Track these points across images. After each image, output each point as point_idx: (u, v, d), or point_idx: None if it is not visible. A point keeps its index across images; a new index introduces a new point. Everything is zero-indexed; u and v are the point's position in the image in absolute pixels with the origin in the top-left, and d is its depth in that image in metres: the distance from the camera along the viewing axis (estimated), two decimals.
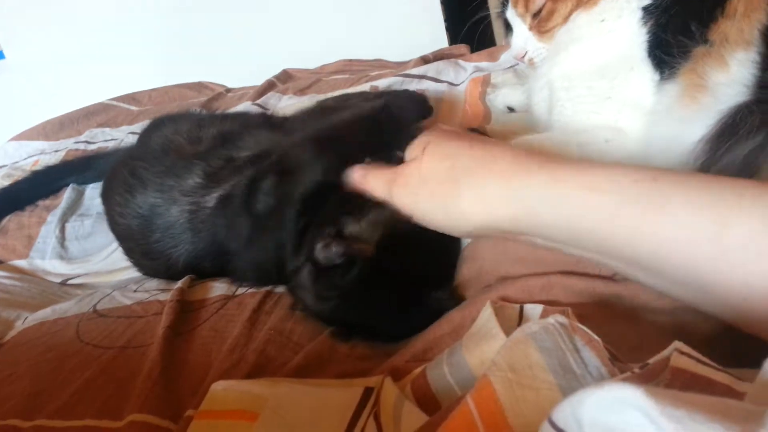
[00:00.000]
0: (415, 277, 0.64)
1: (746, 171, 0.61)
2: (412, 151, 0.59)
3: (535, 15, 0.85)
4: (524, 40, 0.88)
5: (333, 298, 0.64)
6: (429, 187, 0.55)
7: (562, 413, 0.28)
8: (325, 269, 0.63)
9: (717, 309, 0.44)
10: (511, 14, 0.90)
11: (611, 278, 0.55)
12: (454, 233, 0.57)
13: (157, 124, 1.07)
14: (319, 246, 0.62)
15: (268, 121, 1.01)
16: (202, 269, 0.80)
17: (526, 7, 0.86)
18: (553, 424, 0.29)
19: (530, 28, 0.87)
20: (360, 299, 0.63)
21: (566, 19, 0.82)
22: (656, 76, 0.73)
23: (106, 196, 0.96)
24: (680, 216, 0.41)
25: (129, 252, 0.90)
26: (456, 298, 0.63)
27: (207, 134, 0.92)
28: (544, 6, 0.84)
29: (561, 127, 0.81)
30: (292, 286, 0.68)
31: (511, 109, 1.04)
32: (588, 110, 0.79)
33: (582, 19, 0.81)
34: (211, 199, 0.78)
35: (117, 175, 0.92)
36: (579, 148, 0.77)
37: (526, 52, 0.89)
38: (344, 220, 0.62)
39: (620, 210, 0.44)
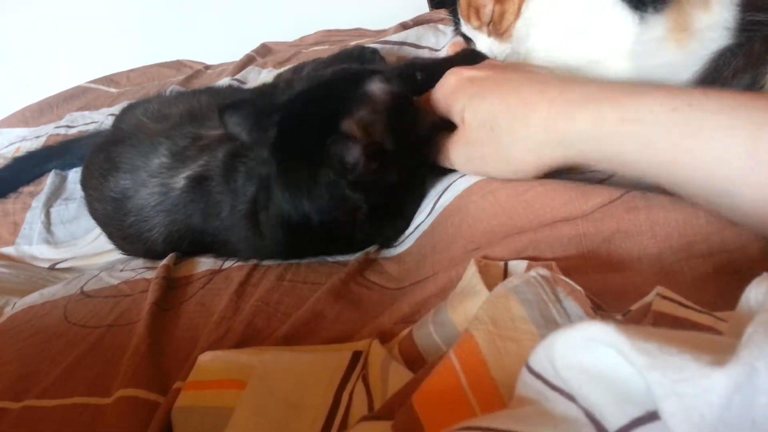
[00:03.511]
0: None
1: None
2: (454, 113, 0.63)
3: (490, 22, 0.84)
4: (489, 49, 0.87)
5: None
6: (478, 151, 0.61)
7: (538, 357, 0.28)
8: None
9: (750, 222, 0.46)
10: (467, 29, 0.88)
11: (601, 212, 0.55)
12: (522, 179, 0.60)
13: (129, 109, 1.06)
14: None
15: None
16: (183, 251, 0.80)
17: (479, 19, 0.84)
18: (530, 370, 0.29)
19: (489, 35, 0.86)
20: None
21: (518, 13, 0.81)
22: (636, 18, 0.72)
23: (84, 183, 0.96)
24: (713, 138, 0.44)
25: (110, 236, 0.89)
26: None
27: (174, 112, 0.91)
28: (493, 11, 0.83)
29: None
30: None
31: None
32: (568, 58, 0.78)
33: (534, 2, 0.80)
34: (180, 180, 0.77)
35: (93, 161, 0.92)
36: None
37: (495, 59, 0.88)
38: None
39: (658, 138, 0.46)
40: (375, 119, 0.63)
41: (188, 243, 0.78)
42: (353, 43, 1.33)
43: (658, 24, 0.69)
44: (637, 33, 0.71)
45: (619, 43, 0.72)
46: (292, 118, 0.66)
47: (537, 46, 0.81)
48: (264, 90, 1.02)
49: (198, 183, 0.75)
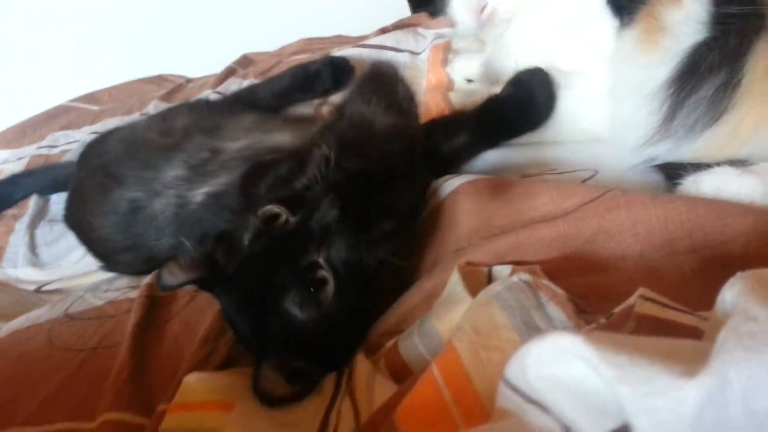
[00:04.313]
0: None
1: (714, 113, 0.60)
2: None
3: None
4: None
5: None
6: None
7: (512, 370, 0.28)
8: None
9: None
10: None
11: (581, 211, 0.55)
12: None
13: (100, 140, 1.02)
14: None
15: (243, 101, 1.00)
16: None
17: None
18: (506, 382, 0.28)
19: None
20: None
21: None
22: (616, 23, 0.72)
23: (74, 211, 0.94)
24: None
25: (106, 253, 0.88)
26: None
27: (177, 125, 0.90)
28: None
29: None
30: None
31: (470, 81, 1.02)
32: (552, 59, 0.78)
33: None
34: (198, 195, 0.76)
35: (84, 188, 0.91)
36: None
37: (486, 4, 0.84)
38: None
39: None
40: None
41: None
42: (334, 51, 1.33)
43: (634, 28, 0.69)
44: (617, 37, 0.72)
45: (601, 46, 0.73)
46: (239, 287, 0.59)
47: (525, 30, 0.80)
48: (226, 101, 1.03)
49: (217, 200, 0.74)
